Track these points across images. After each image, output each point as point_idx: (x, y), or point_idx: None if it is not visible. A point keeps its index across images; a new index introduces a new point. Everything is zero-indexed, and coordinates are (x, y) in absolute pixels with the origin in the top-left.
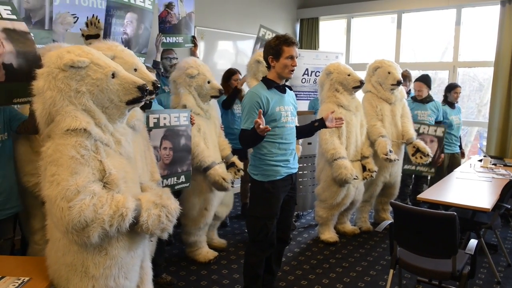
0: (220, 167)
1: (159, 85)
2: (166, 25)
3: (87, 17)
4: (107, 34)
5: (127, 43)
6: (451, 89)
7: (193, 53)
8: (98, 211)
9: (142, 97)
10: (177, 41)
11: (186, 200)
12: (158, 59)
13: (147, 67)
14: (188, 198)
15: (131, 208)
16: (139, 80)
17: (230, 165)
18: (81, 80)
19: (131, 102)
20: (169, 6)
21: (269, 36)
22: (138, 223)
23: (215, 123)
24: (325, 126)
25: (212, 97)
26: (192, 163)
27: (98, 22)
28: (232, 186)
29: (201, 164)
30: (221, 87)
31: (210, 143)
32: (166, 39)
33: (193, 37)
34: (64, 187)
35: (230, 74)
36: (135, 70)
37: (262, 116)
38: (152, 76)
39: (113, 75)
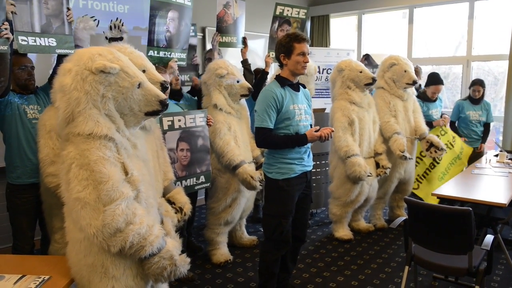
0: (249, 166)
1: (167, 86)
2: (223, 25)
3: (111, 20)
4: (152, 33)
5: (170, 41)
6: (470, 86)
7: (243, 54)
8: (129, 226)
9: (161, 111)
10: (231, 41)
11: (213, 195)
12: (216, 58)
13: (158, 68)
14: (215, 193)
15: (154, 248)
16: (162, 94)
17: (259, 166)
18: (108, 86)
19: (150, 114)
20: (226, 5)
21: (288, 12)
22: (145, 257)
23: (246, 123)
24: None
25: (242, 96)
26: (222, 161)
27: (122, 25)
28: (260, 185)
29: (230, 162)
30: (250, 85)
31: (241, 143)
32: (222, 39)
33: (244, 38)
34: (103, 190)
35: (256, 73)
36: (144, 71)
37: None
38: (161, 77)
39: (139, 86)
